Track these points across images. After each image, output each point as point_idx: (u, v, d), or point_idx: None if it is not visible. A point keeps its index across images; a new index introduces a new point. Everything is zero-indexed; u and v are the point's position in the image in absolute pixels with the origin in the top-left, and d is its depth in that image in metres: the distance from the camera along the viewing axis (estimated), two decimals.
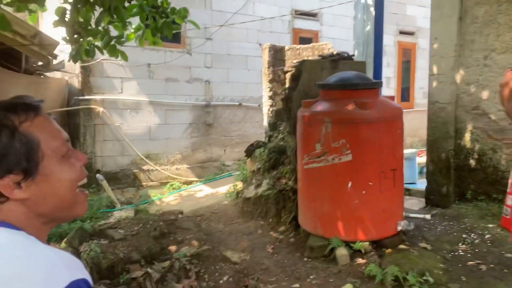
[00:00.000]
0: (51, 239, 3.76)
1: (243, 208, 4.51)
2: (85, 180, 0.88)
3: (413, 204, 4.46)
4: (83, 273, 0.73)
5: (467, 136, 4.17)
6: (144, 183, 6.99)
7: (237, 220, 4.38)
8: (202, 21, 7.00)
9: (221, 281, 3.27)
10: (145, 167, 7.02)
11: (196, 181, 7.24)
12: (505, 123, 3.85)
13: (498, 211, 3.78)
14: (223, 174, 7.31)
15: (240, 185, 5.25)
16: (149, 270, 3.27)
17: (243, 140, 7.80)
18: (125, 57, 3.51)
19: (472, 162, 4.16)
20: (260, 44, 7.64)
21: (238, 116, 7.96)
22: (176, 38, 6.96)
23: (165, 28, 4.17)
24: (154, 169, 7.05)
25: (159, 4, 4.17)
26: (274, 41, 7.52)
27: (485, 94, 4.03)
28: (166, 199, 6.27)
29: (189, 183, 7.17)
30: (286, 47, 6.12)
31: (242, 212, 4.48)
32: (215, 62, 7.64)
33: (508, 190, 1.29)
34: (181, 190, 6.73)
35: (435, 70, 4.34)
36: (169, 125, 7.24)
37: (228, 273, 3.35)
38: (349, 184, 3.12)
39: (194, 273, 3.42)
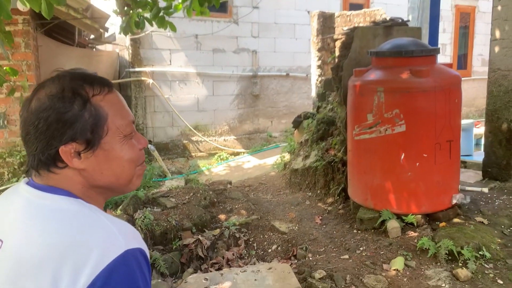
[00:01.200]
0: (107, 206, 3.94)
1: (290, 179, 4.50)
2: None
3: (469, 177, 4.27)
4: (139, 242, 0.75)
5: None
6: (193, 154, 7.14)
7: (284, 191, 4.40)
8: None
9: (269, 250, 3.33)
10: (194, 138, 7.15)
11: (244, 152, 7.31)
12: None
13: None
14: (270, 146, 7.32)
15: (287, 156, 5.23)
16: (200, 237, 3.38)
17: (290, 111, 7.74)
18: (173, 28, 3.52)
19: None
20: (308, 12, 7.42)
21: (285, 87, 7.87)
22: (223, 8, 6.91)
23: None
24: (203, 140, 7.17)
25: None
26: (324, 8, 7.27)
27: None
28: (215, 170, 6.39)
29: (236, 154, 7.25)
30: (336, 14, 5.91)
31: (290, 183, 4.48)
32: (262, 31, 7.53)
33: None
34: (229, 161, 6.82)
35: (497, 34, 4.04)
36: (216, 96, 7.29)
37: (277, 242, 3.39)
38: (402, 156, 3.02)
39: (243, 241, 3.49)
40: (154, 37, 6.63)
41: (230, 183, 4.69)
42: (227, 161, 6.84)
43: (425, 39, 5.11)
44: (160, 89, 6.74)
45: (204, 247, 3.32)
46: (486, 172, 4.16)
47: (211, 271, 2.98)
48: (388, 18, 4.45)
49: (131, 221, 3.42)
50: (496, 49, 4.07)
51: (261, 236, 3.53)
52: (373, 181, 3.19)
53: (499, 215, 3.18)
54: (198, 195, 3.99)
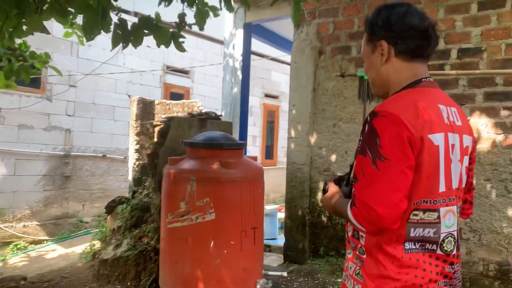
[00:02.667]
0: None
1: (99, 271, 4.14)
2: None
3: (273, 260, 4.63)
4: None
5: (320, 196, 4.57)
6: None
7: (91, 285, 4.01)
8: (66, 68, 6.65)
9: None
10: None
11: (47, 240, 6.50)
12: None
13: None
14: (80, 232, 6.72)
15: (98, 244, 4.86)
16: None
17: (105, 195, 7.36)
18: None
19: (324, 219, 4.54)
20: (129, 96, 7.49)
21: (101, 168, 7.53)
22: (35, 83, 6.45)
23: (22, 72, 3.85)
24: None
25: (17, 46, 3.86)
26: (145, 94, 7.48)
27: (333, 157, 4.52)
28: (11, 261, 5.47)
29: (38, 242, 6.40)
30: (156, 101, 6.10)
31: (98, 276, 4.11)
32: (78, 110, 7.22)
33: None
34: (28, 251, 5.96)
35: (293, 133, 4.75)
36: (18, 177, 6.49)
37: None
38: (212, 244, 3.12)
39: None
40: None
41: (25, 278, 4.06)
42: (27, 251, 5.96)
43: (236, 132, 5.65)
44: None
45: None
46: (287, 256, 4.59)
47: None
48: (204, 111, 4.80)
49: None
50: (292, 145, 4.75)
51: None
52: (183, 270, 3.18)
53: None
54: None
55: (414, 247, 1.21)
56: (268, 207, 6.59)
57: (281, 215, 7.01)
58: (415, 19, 1.27)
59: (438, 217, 1.22)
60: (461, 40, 3.86)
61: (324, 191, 1.47)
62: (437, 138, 1.18)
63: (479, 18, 3.80)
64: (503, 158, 3.63)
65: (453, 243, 1.26)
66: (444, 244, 1.24)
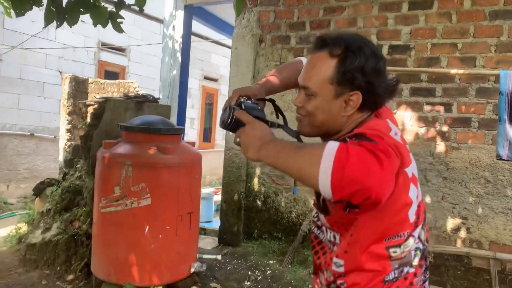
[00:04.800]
0: None
1: (25, 256, 3.98)
2: None
3: (208, 243, 4.71)
4: None
5: (256, 180, 4.70)
6: None
7: (17, 270, 3.84)
8: None
9: None
10: None
11: None
12: None
13: (278, 248, 4.33)
14: (4, 214, 6.34)
15: (25, 227, 4.64)
16: None
17: (32, 175, 6.99)
18: None
19: (259, 203, 4.69)
20: (61, 72, 7.11)
21: (28, 148, 7.12)
22: None
23: None
24: None
25: None
26: (78, 71, 7.13)
27: None
28: None
29: None
30: (90, 80, 5.86)
31: (25, 261, 3.95)
32: (4, 85, 6.74)
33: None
34: None
35: None
36: None
37: None
38: (147, 229, 3.13)
39: None
40: None
41: None
42: None
43: (174, 115, 5.59)
44: None
45: None
46: (221, 239, 4.69)
47: None
48: (141, 93, 4.69)
49: None
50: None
51: None
52: (117, 255, 3.16)
53: (230, 279, 3.60)
54: None
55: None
56: (204, 190, 6.64)
57: (217, 198, 7.10)
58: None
59: None
60: (392, 37, 4.10)
61: (231, 123, 1.13)
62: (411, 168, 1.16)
63: (409, 17, 4.05)
64: (423, 150, 3.95)
65: None
66: None
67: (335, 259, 1.18)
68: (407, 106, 4.03)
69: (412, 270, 1.15)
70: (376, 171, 0.85)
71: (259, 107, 1.23)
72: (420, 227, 1.16)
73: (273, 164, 1.00)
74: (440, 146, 3.90)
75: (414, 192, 1.12)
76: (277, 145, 1.01)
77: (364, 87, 1.10)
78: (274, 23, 4.68)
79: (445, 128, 3.87)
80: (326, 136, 1.18)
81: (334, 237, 1.19)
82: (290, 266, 3.93)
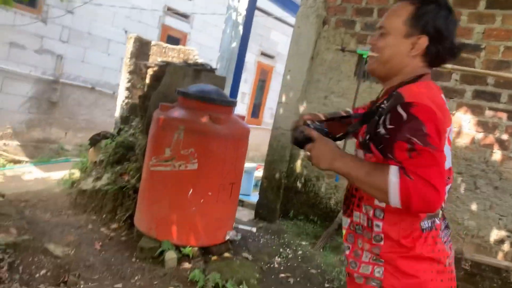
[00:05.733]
0: None
1: (76, 200, 4.27)
2: None
3: (244, 215, 4.83)
4: None
5: (298, 163, 4.72)
6: None
7: (67, 211, 4.14)
8: None
9: (37, 275, 3.06)
10: None
11: (27, 161, 6.56)
12: None
13: (312, 231, 4.37)
14: (60, 159, 6.78)
15: (77, 174, 4.95)
16: None
17: (89, 126, 7.38)
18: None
19: (299, 185, 4.72)
20: (126, 31, 7.37)
21: (88, 100, 7.50)
22: (31, 2, 6.27)
23: None
24: None
25: None
26: (142, 32, 7.34)
27: None
28: None
29: (17, 162, 6.45)
30: (153, 43, 6.04)
31: (75, 204, 4.24)
32: (73, 38, 7.08)
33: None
34: (5, 169, 6.02)
35: (283, 98, 4.82)
36: (4, 95, 6.43)
37: (48, 267, 3.15)
38: (190, 192, 3.26)
39: (7, 263, 3.12)
40: None
41: (3, 196, 4.15)
42: (2, 169, 6.02)
43: (228, 87, 5.69)
44: None
45: None
46: (258, 213, 4.79)
47: None
48: (199, 61, 4.81)
49: None
50: (281, 110, 4.83)
51: (30, 259, 3.22)
52: (160, 212, 3.33)
53: (261, 252, 3.70)
54: None
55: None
56: (247, 164, 6.74)
57: (258, 173, 7.23)
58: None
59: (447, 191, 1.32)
60: (463, 35, 3.92)
61: (303, 141, 1.31)
62: (449, 130, 1.29)
63: (485, 15, 3.84)
64: (478, 155, 3.81)
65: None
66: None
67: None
68: (468, 108, 3.88)
69: (438, 223, 1.30)
70: (434, 200, 1.10)
71: (324, 127, 1.38)
72: (449, 186, 1.32)
73: (345, 177, 1.24)
74: (496, 155, 3.74)
75: (448, 150, 1.27)
76: (347, 163, 1.22)
77: (432, 34, 1.26)
78: (340, 6, 4.59)
79: (505, 137, 3.71)
80: (387, 77, 1.34)
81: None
82: (321, 250, 3.97)
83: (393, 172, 1.12)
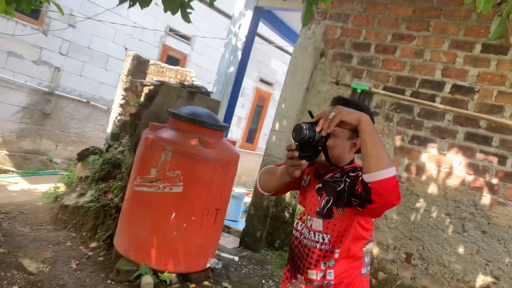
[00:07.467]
0: None
1: (58, 215, 4.17)
2: None
3: (229, 242, 4.73)
4: None
5: (288, 192, 4.66)
6: None
7: (47, 226, 4.03)
8: (69, 6, 6.53)
9: None
10: None
11: (13, 171, 6.46)
12: None
13: None
14: (48, 171, 6.68)
15: (62, 188, 4.87)
16: None
17: (80, 140, 7.31)
18: None
19: (287, 215, 4.65)
20: (126, 48, 7.40)
21: (82, 113, 7.46)
22: (34, 13, 6.31)
23: (24, 2, 3.79)
24: None
25: None
26: (142, 50, 7.39)
27: None
28: None
29: (4, 172, 6.35)
30: (151, 62, 6.05)
31: (56, 219, 4.14)
32: (72, 51, 7.10)
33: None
34: None
35: (277, 126, 4.80)
36: None
37: (19, 283, 3.04)
38: (173, 215, 3.19)
39: None
40: None
41: None
42: None
43: (222, 111, 5.67)
44: None
45: None
46: (243, 241, 4.69)
47: None
48: (195, 84, 4.80)
49: None
50: (273, 138, 4.81)
51: (3, 274, 3.12)
52: (140, 233, 3.24)
53: (243, 283, 3.60)
54: None
55: None
56: (237, 190, 6.68)
57: (248, 199, 7.12)
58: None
59: None
60: (458, 77, 3.95)
61: (318, 139, 1.46)
62: None
63: (480, 59, 3.88)
64: (467, 198, 3.77)
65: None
66: None
67: (322, 260, 1.61)
68: (459, 150, 3.87)
69: (369, 267, 1.65)
70: (395, 203, 1.35)
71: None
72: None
73: (365, 135, 1.37)
74: (486, 198, 3.70)
75: None
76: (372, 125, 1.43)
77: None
78: (339, 40, 4.64)
79: (494, 181, 3.68)
80: (336, 163, 1.65)
81: (323, 239, 1.61)
82: None
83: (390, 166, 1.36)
